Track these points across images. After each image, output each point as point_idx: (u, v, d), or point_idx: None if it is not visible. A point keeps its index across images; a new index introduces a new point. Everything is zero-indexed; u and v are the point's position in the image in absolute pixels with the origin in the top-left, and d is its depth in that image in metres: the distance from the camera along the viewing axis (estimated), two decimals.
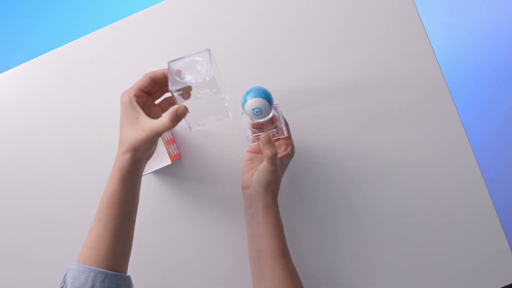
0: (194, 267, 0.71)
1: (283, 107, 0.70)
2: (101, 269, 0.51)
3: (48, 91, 0.72)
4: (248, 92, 0.55)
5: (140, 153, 0.53)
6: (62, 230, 0.71)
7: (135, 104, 0.53)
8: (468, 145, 0.69)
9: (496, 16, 1.70)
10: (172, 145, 0.68)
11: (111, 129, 0.71)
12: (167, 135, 0.68)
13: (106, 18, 1.78)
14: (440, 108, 0.70)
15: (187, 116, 0.62)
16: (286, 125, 0.60)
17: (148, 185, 0.70)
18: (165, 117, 0.50)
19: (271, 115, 0.58)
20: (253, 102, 0.54)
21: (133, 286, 0.56)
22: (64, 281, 0.52)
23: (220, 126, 0.70)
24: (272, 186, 0.58)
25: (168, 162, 0.65)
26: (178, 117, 0.50)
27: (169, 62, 0.55)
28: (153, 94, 0.58)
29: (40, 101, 0.72)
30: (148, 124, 0.51)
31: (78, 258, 0.53)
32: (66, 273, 0.52)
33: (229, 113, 0.65)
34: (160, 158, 0.67)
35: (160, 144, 0.67)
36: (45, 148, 0.71)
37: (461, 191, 0.69)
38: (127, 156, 0.52)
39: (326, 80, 0.71)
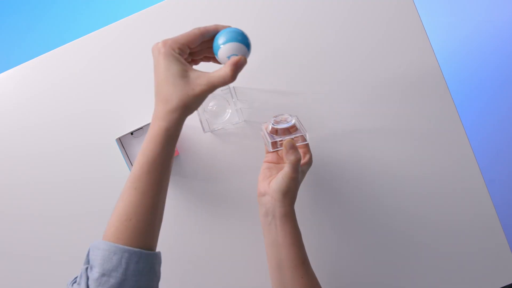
0: (188, 263, 0.71)
1: (282, 109, 0.70)
2: (136, 249, 0.45)
3: (48, 91, 0.72)
4: (218, 36, 0.48)
5: (190, 111, 0.48)
6: (62, 228, 0.71)
7: (180, 57, 0.47)
8: (468, 145, 0.69)
9: (496, 16, 1.70)
10: None
11: (111, 129, 0.71)
12: None
13: (106, 18, 1.78)
14: (440, 108, 0.70)
15: (203, 119, 0.64)
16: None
17: None
18: (226, 69, 0.45)
19: (293, 121, 0.59)
20: (227, 47, 0.47)
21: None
22: (88, 261, 0.46)
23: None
24: (290, 193, 0.56)
25: None
26: (239, 68, 0.46)
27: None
28: (193, 52, 0.51)
29: (40, 101, 0.72)
30: (203, 78, 0.46)
31: (107, 233, 0.47)
32: (89, 252, 0.46)
33: (242, 116, 0.67)
34: None
35: None
36: (45, 147, 0.71)
37: (461, 191, 0.69)
38: (176, 115, 0.46)
39: (325, 80, 0.70)
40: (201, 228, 0.70)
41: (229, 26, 0.49)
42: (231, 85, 0.63)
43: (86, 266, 0.46)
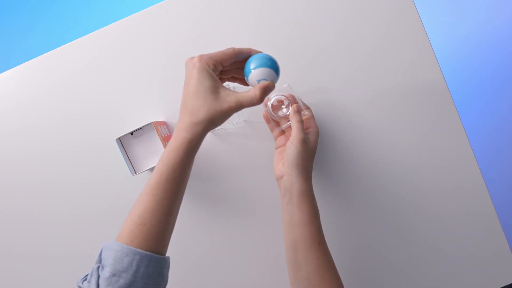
0: (188, 263, 0.71)
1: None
2: (147, 252, 0.46)
3: (48, 91, 0.72)
4: (250, 61, 0.51)
5: (213, 127, 0.49)
6: (62, 228, 0.71)
7: (214, 73, 0.49)
8: (468, 145, 0.69)
9: (496, 16, 1.70)
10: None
11: (111, 129, 0.71)
12: (164, 131, 0.68)
13: (106, 18, 1.78)
14: (440, 108, 0.70)
15: None
16: (307, 108, 0.63)
17: (145, 182, 0.70)
18: (256, 91, 0.48)
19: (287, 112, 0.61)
20: (258, 72, 0.50)
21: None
22: (100, 261, 0.47)
23: None
24: (303, 161, 0.58)
25: None
26: (267, 92, 0.49)
27: None
28: (223, 70, 0.54)
29: (40, 101, 0.72)
30: (233, 96, 0.48)
31: (120, 235, 0.48)
32: (102, 252, 0.48)
33: (242, 116, 0.67)
34: (157, 155, 0.67)
35: (157, 141, 0.67)
36: (45, 147, 0.71)
37: (461, 191, 0.69)
38: (200, 128, 0.48)
39: (325, 80, 0.70)
40: (201, 228, 0.71)
41: (261, 52, 0.52)
42: (232, 85, 0.63)
43: (98, 265, 0.47)
